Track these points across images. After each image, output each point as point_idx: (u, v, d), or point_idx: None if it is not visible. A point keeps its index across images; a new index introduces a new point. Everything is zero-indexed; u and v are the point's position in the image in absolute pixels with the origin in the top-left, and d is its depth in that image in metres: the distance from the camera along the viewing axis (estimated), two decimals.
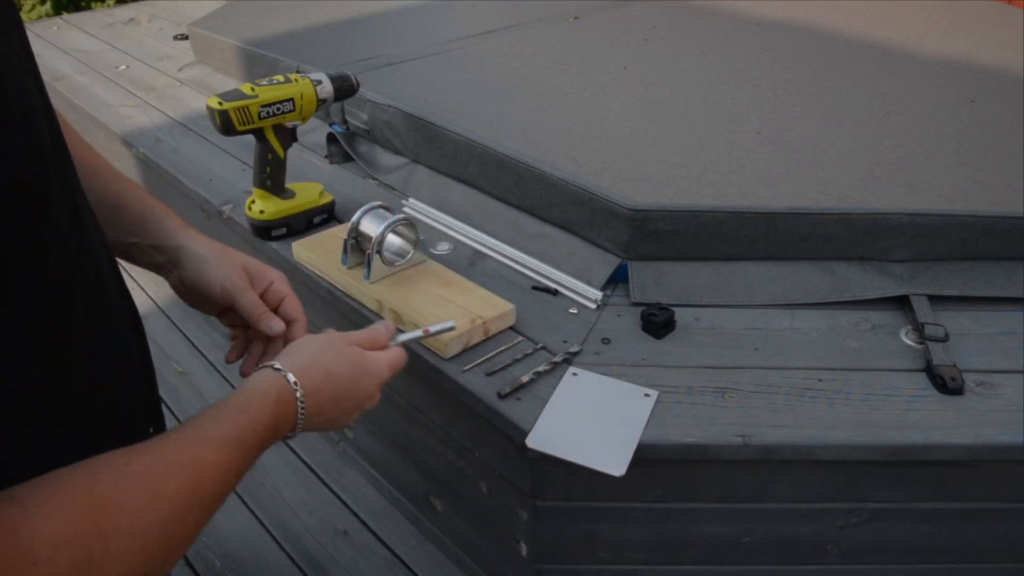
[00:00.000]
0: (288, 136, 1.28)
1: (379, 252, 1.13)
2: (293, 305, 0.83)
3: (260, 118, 1.20)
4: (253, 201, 1.34)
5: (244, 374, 0.80)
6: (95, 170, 0.75)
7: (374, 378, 0.77)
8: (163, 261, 0.79)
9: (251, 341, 0.84)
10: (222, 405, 0.60)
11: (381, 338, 0.80)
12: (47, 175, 0.48)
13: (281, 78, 1.23)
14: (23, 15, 4.11)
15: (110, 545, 0.45)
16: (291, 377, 0.65)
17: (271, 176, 1.29)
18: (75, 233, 0.52)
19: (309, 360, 0.69)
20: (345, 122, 1.67)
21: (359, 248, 1.18)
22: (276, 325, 0.80)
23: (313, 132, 1.71)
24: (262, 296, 0.82)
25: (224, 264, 0.79)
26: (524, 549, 1.13)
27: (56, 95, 2.14)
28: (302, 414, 0.66)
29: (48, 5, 4.09)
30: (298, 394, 0.65)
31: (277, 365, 0.66)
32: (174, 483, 0.51)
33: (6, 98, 0.43)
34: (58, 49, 2.46)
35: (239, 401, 0.61)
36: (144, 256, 0.79)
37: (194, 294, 0.80)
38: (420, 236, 1.18)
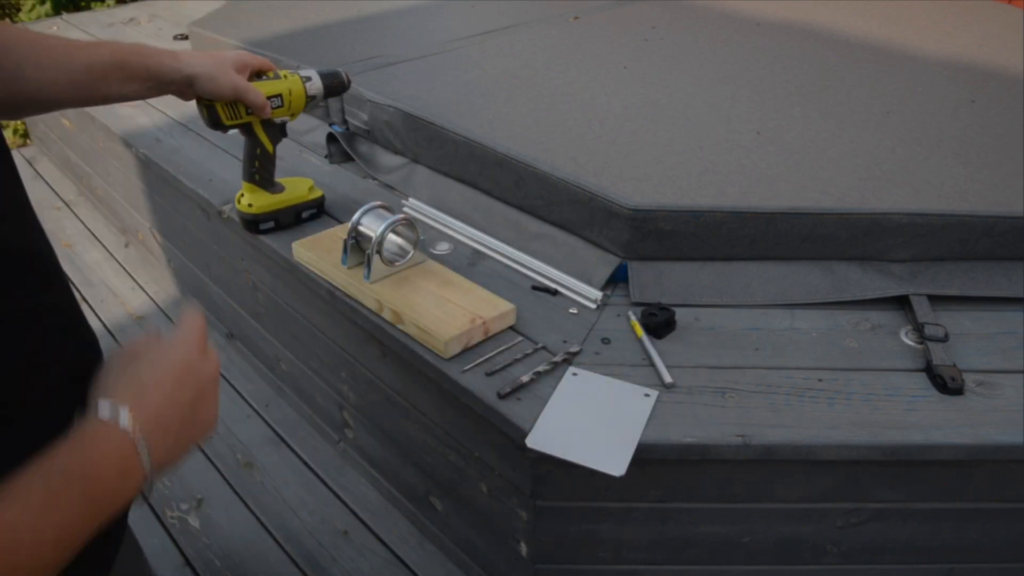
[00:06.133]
0: (277, 131, 1.28)
1: (379, 252, 1.13)
2: (264, 63, 1.21)
3: (248, 113, 1.21)
4: (242, 195, 1.35)
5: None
6: (81, 47, 0.90)
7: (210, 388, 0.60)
8: (178, 87, 1.07)
9: None
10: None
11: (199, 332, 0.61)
12: None
13: (271, 74, 1.24)
14: (23, 15, 4.11)
15: None
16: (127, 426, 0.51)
17: (260, 171, 1.31)
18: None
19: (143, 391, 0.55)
20: (345, 122, 1.67)
21: (359, 248, 1.18)
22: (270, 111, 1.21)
23: (313, 132, 1.71)
24: (257, 74, 1.21)
25: (225, 72, 1.11)
26: (524, 549, 1.13)
27: None
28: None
29: (48, 5, 4.09)
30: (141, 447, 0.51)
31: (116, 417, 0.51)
32: None
33: None
34: None
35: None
36: (163, 92, 1.05)
37: (209, 96, 1.13)
38: (420, 236, 1.18)
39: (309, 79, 1.28)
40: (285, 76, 1.25)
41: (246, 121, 1.22)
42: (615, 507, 1.05)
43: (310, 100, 1.28)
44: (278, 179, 1.36)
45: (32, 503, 0.45)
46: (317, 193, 1.40)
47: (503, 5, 2.24)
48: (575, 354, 1.07)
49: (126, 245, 2.31)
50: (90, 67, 0.89)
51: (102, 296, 2.10)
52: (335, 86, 1.32)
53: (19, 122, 3.05)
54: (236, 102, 1.18)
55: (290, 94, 1.25)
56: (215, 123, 1.19)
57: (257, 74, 1.21)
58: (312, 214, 1.40)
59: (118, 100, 0.98)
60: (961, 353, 1.07)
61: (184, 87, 1.07)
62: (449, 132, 1.41)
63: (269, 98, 1.22)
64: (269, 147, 1.28)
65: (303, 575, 1.34)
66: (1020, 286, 1.20)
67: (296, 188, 1.37)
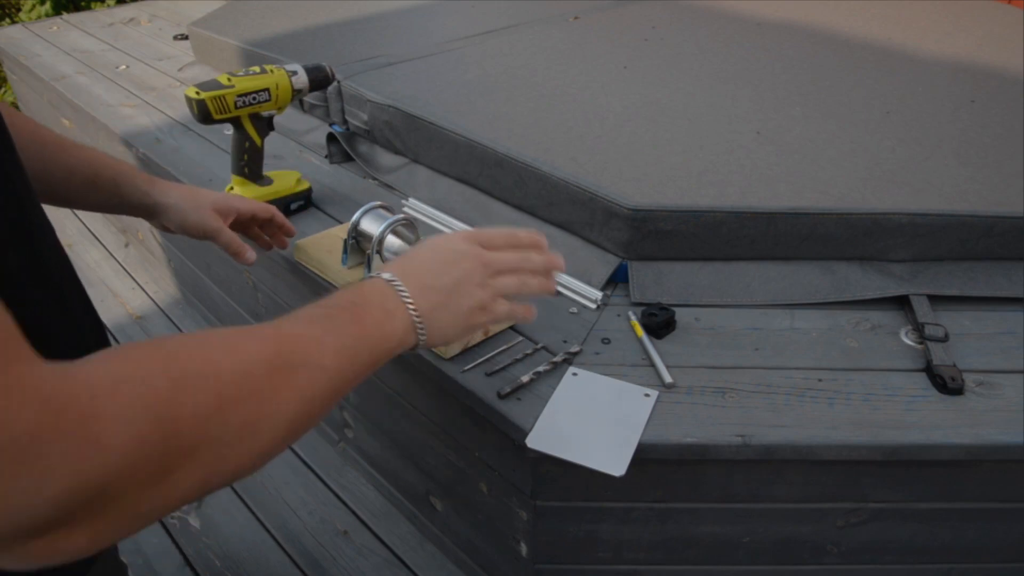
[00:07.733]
0: (265, 125, 1.31)
1: (379, 252, 1.13)
2: (262, 209, 1.10)
3: (236, 107, 1.24)
4: (231, 188, 1.37)
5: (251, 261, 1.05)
6: (57, 144, 0.83)
7: (461, 242, 0.77)
8: (143, 214, 0.98)
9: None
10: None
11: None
12: None
13: (257, 69, 1.27)
14: (23, 15, 4.11)
15: (179, 385, 0.45)
16: (386, 275, 0.69)
17: (248, 164, 1.33)
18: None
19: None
20: (345, 122, 1.67)
21: (359, 248, 1.18)
22: (250, 255, 1.05)
23: (313, 132, 1.71)
24: (236, 223, 1.07)
25: (197, 209, 1.00)
26: (524, 549, 1.13)
27: (56, 95, 2.14)
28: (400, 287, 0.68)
29: (48, 5, 4.09)
30: (386, 276, 0.68)
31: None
32: (251, 343, 0.52)
33: None
34: (58, 49, 2.46)
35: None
36: (126, 212, 0.97)
37: (178, 232, 1.02)
38: (420, 236, 1.18)
39: (295, 73, 1.31)
40: (271, 71, 1.28)
41: (234, 115, 1.25)
42: (615, 507, 1.05)
43: (296, 94, 1.31)
44: (266, 172, 1.38)
45: (313, 318, 0.58)
46: (304, 185, 1.43)
47: (503, 5, 2.24)
48: (575, 354, 1.07)
49: (126, 245, 2.31)
50: (48, 170, 0.82)
51: (102, 296, 2.10)
52: (320, 79, 1.35)
53: None
54: (224, 96, 1.20)
55: (277, 88, 1.27)
56: (204, 117, 1.21)
57: (248, 220, 1.12)
58: (300, 205, 1.43)
59: (83, 208, 0.92)
60: (961, 353, 1.07)
61: (151, 215, 0.99)
62: (449, 132, 1.41)
63: (257, 92, 1.24)
64: (258, 141, 1.31)
65: (303, 575, 1.34)
66: (1020, 286, 1.20)
67: (284, 181, 1.40)
